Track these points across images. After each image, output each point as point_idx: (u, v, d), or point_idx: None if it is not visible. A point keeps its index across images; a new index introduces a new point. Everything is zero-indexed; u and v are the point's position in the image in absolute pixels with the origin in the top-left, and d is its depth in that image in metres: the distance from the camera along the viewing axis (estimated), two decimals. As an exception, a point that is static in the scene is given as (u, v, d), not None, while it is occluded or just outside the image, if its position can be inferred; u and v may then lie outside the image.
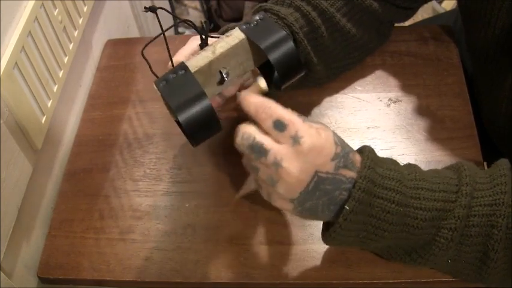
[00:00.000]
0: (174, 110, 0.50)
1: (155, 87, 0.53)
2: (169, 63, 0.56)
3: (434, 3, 1.64)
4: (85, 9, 0.80)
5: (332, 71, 0.72)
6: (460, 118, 0.71)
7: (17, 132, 0.63)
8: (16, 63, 0.61)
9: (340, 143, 0.50)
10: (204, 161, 0.71)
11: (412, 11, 0.75)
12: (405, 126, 0.71)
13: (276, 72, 0.55)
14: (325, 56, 0.68)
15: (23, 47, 0.62)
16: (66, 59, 0.74)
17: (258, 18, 0.55)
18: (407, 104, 0.73)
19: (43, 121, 0.68)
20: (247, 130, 0.50)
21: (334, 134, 0.51)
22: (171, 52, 0.54)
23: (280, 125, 0.48)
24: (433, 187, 0.52)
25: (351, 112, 0.73)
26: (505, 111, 0.64)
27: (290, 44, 0.53)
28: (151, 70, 0.54)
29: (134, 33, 1.12)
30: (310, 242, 0.62)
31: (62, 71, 0.73)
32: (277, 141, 0.49)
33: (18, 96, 0.62)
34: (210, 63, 0.54)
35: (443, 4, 1.68)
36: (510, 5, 0.59)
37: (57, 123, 0.75)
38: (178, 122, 0.56)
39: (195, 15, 1.82)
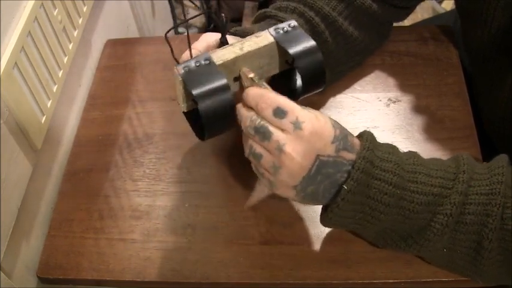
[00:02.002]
0: (195, 97, 0.49)
1: (175, 71, 0.52)
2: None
3: (434, 3, 1.64)
4: (85, 9, 0.80)
5: (336, 75, 0.72)
6: (460, 118, 0.71)
7: (17, 132, 0.63)
8: (16, 63, 0.61)
9: (337, 126, 0.51)
10: (203, 161, 0.71)
11: (410, 9, 0.75)
12: (405, 126, 0.71)
13: (293, 83, 0.55)
14: (329, 61, 0.68)
15: (22, 47, 0.62)
16: (65, 59, 0.74)
17: (288, 25, 0.55)
18: (406, 104, 0.73)
19: (43, 121, 0.68)
20: (255, 113, 0.51)
21: (331, 119, 0.52)
22: (172, 52, 0.54)
23: (280, 112, 0.49)
24: (430, 172, 0.52)
25: (351, 112, 0.73)
26: (504, 111, 0.64)
27: (319, 55, 0.54)
28: (172, 55, 0.53)
29: (134, 33, 1.12)
30: (310, 242, 0.62)
31: (61, 71, 0.73)
32: (279, 128, 0.49)
33: (18, 96, 0.62)
34: (236, 59, 0.53)
35: (443, 4, 1.68)
36: (505, 4, 0.59)
37: (57, 123, 0.75)
38: (187, 114, 0.55)
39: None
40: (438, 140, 0.69)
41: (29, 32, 0.64)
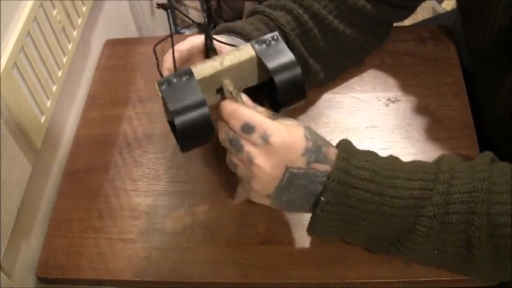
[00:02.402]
0: (172, 113, 0.51)
1: (156, 87, 0.53)
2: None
3: (434, 3, 1.64)
4: (84, 9, 0.80)
5: (331, 73, 0.73)
6: (459, 118, 0.71)
7: (17, 132, 0.63)
8: (15, 63, 0.61)
9: (312, 137, 0.52)
10: (202, 160, 0.71)
11: (410, 10, 0.75)
12: (404, 126, 0.71)
13: (276, 93, 0.55)
14: (321, 57, 0.69)
15: (22, 47, 0.62)
16: (65, 59, 0.74)
17: (270, 38, 0.56)
18: (406, 103, 0.73)
19: (42, 121, 0.68)
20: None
21: (307, 129, 0.52)
22: (157, 65, 0.55)
23: (248, 128, 0.50)
24: (410, 176, 0.53)
25: (350, 112, 0.73)
26: (504, 110, 0.64)
27: (297, 70, 0.54)
28: (158, 68, 0.55)
29: (133, 33, 1.12)
30: (309, 242, 0.62)
31: (61, 71, 0.73)
32: (250, 142, 0.51)
33: (18, 96, 0.62)
34: (216, 74, 0.54)
35: (443, 4, 1.68)
36: (507, 3, 0.59)
37: (56, 123, 0.75)
38: (171, 124, 0.56)
39: (195, 15, 1.82)
40: (437, 139, 0.69)
41: (28, 32, 0.64)
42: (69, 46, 0.75)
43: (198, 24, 0.56)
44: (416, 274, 0.59)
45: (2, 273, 0.61)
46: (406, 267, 0.59)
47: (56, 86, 0.72)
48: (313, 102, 0.75)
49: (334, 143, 0.70)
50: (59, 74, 0.73)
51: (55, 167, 0.76)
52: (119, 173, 0.71)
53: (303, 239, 0.62)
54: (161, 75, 0.55)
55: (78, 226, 0.67)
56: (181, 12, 0.56)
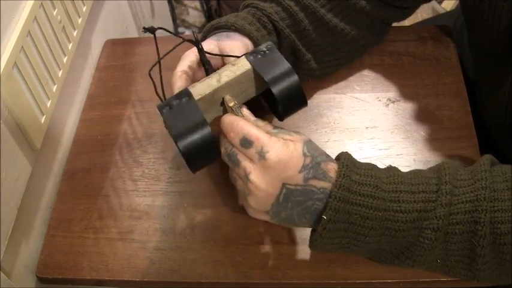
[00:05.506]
0: (175, 137, 0.51)
1: (158, 112, 0.53)
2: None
3: (434, 4, 1.64)
4: (84, 9, 0.80)
5: (324, 65, 0.73)
6: (458, 118, 0.71)
7: (17, 132, 0.63)
8: (15, 63, 0.61)
9: (311, 153, 0.51)
10: (202, 160, 0.71)
11: (409, 10, 0.75)
12: (404, 126, 0.71)
13: (277, 103, 0.56)
14: (313, 49, 0.70)
15: (22, 47, 0.63)
16: (65, 59, 0.74)
17: (265, 48, 0.56)
18: (405, 104, 0.73)
19: (42, 121, 0.68)
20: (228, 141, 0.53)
21: (307, 144, 0.52)
22: (155, 88, 0.55)
23: (246, 142, 0.50)
24: (412, 189, 0.52)
25: (350, 112, 0.73)
26: (506, 110, 0.64)
27: (294, 78, 0.55)
28: (156, 92, 0.55)
29: (133, 33, 1.12)
30: (308, 242, 0.62)
31: (61, 71, 0.73)
32: (247, 157, 0.51)
33: (18, 96, 0.62)
34: (214, 91, 0.54)
35: (443, 4, 1.68)
36: (511, 4, 0.59)
37: (56, 123, 0.75)
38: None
39: (195, 15, 1.82)
40: (437, 140, 0.69)
41: (29, 32, 0.64)
42: (69, 46, 0.75)
43: (189, 41, 0.56)
44: (415, 274, 0.59)
45: (2, 273, 0.61)
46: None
47: (56, 86, 0.72)
48: (313, 102, 0.75)
49: (333, 143, 0.71)
50: (59, 74, 0.73)
51: (55, 167, 0.76)
52: (119, 173, 0.71)
53: (302, 239, 0.63)
54: (160, 98, 0.55)
55: (78, 226, 0.67)
56: (168, 31, 0.56)
